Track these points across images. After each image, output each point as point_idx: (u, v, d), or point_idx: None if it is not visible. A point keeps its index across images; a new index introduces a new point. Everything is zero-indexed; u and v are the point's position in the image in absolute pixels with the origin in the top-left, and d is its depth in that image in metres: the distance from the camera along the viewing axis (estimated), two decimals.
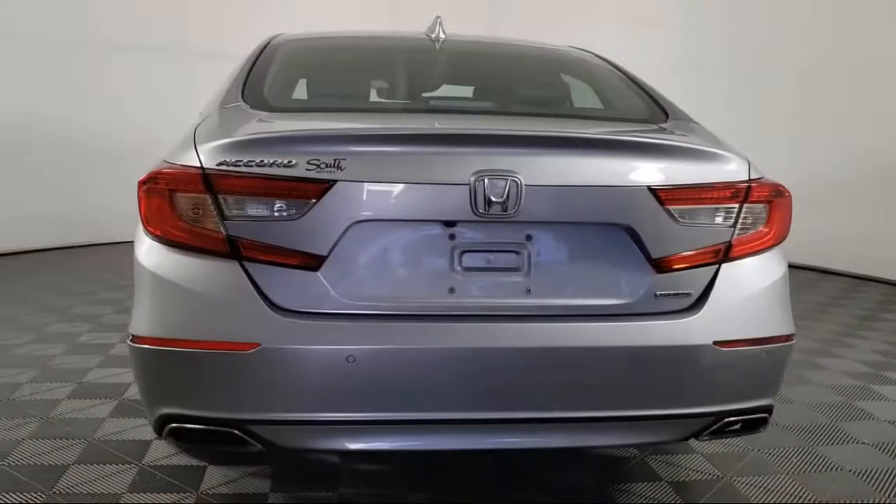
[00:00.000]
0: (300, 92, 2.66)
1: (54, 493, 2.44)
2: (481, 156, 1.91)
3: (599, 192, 1.97)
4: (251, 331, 1.86)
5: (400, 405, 1.93)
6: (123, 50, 8.08)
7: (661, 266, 2.00)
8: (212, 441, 2.00)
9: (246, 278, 1.89)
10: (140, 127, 7.95)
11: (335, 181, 1.87)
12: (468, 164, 1.89)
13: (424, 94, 2.64)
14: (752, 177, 2.10)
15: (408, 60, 2.97)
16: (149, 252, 2.00)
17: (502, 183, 1.88)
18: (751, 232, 2.09)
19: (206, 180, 1.90)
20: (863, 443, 3.05)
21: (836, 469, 2.80)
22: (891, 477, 2.73)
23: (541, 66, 3.07)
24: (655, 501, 2.50)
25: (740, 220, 2.07)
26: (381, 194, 1.90)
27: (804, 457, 2.90)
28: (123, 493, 2.45)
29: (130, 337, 2.00)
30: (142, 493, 2.45)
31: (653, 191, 1.98)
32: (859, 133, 6.75)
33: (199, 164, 1.92)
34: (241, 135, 1.98)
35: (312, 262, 1.90)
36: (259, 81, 2.49)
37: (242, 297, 1.88)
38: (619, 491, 2.57)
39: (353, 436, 1.98)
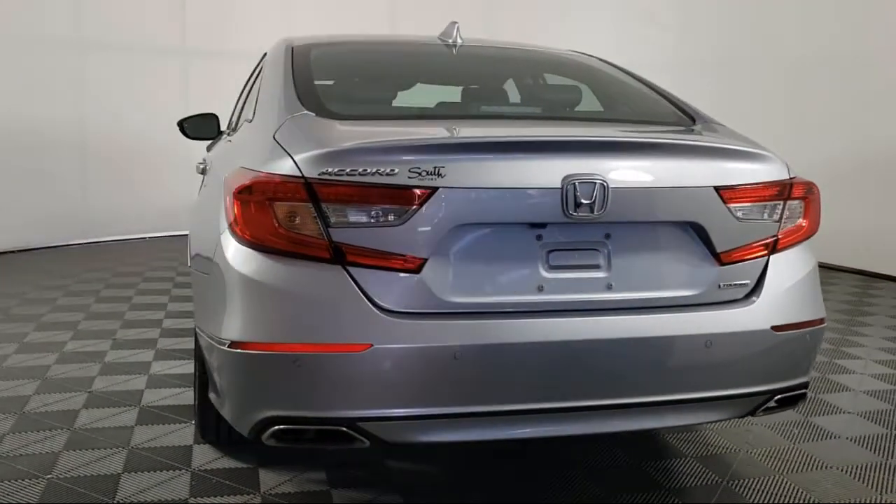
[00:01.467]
0: (353, 98, 2.70)
1: (119, 502, 2.43)
2: (570, 160, 2.05)
3: (672, 192, 2.14)
4: (363, 332, 1.94)
5: (499, 397, 2.05)
6: (123, 51, 7.95)
7: (723, 259, 2.20)
8: (317, 440, 2.06)
9: (352, 282, 1.97)
10: (138, 128, 7.87)
11: (436, 188, 1.97)
12: (558, 169, 2.03)
13: (476, 101, 2.74)
14: (790, 175, 2.32)
15: (444, 66, 3.06)
16: (241, 257, 2.04)
17: (591, 186, 2.03)
18: (791, 225, 2.32)
19: (309, 189, 1.96)
20: (848, 412, 3.38)
21: (835, 437, 3.10)
22: (883, 441, 3.05)
23: (565, 71, 3.23)
24: (690, 475, 2.71)
25: (784, 215, 2.29)
26: (478, 200, 2.01)
27: (803, 428, 3.18)
28: (187, 498, 2.47)
29: (228, 343, 2.04)
30: (206, 497, 2.47)
31: (717, 190, 2.17)
32: (824, 132, 6.97)
33: (299, 174, 1.97)
34: (338, 145, 2.04)
35: (414, 265, 1.99)
36: (309, 89, 2.51)
37: (351, 300, 1.96)
38: (655, 469, 2.77)
39: (456, 428, 2.08)
